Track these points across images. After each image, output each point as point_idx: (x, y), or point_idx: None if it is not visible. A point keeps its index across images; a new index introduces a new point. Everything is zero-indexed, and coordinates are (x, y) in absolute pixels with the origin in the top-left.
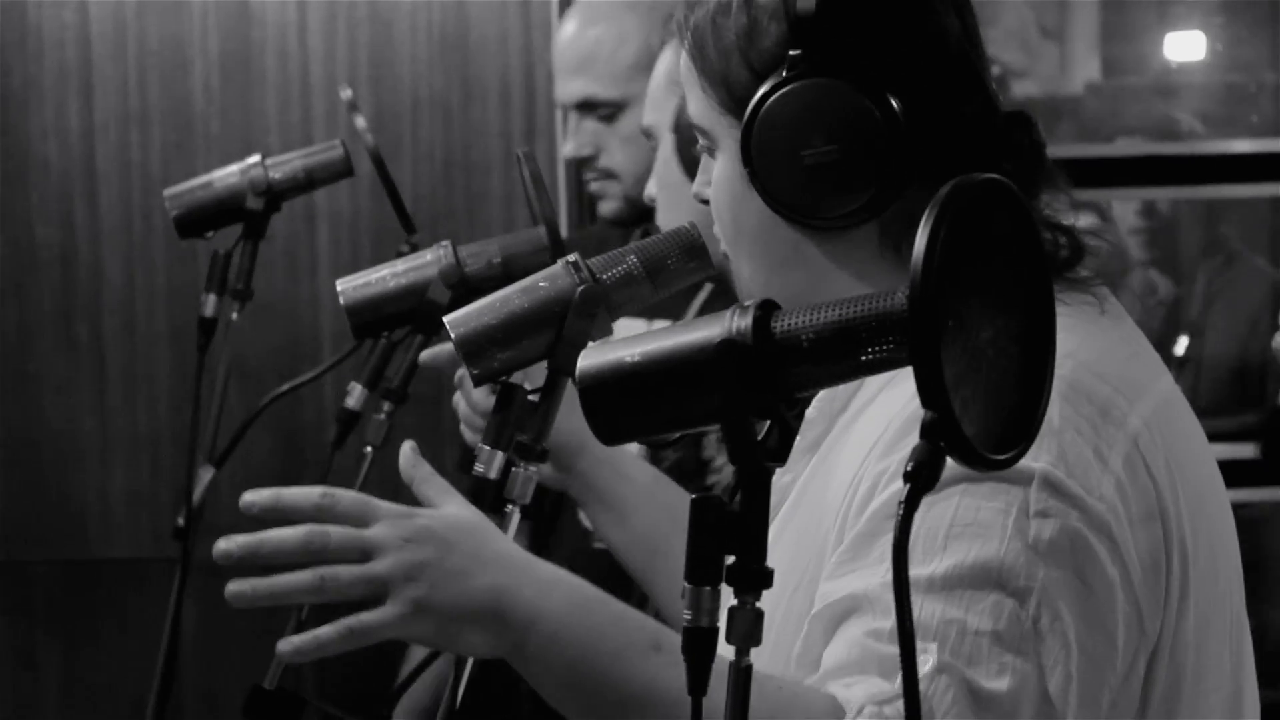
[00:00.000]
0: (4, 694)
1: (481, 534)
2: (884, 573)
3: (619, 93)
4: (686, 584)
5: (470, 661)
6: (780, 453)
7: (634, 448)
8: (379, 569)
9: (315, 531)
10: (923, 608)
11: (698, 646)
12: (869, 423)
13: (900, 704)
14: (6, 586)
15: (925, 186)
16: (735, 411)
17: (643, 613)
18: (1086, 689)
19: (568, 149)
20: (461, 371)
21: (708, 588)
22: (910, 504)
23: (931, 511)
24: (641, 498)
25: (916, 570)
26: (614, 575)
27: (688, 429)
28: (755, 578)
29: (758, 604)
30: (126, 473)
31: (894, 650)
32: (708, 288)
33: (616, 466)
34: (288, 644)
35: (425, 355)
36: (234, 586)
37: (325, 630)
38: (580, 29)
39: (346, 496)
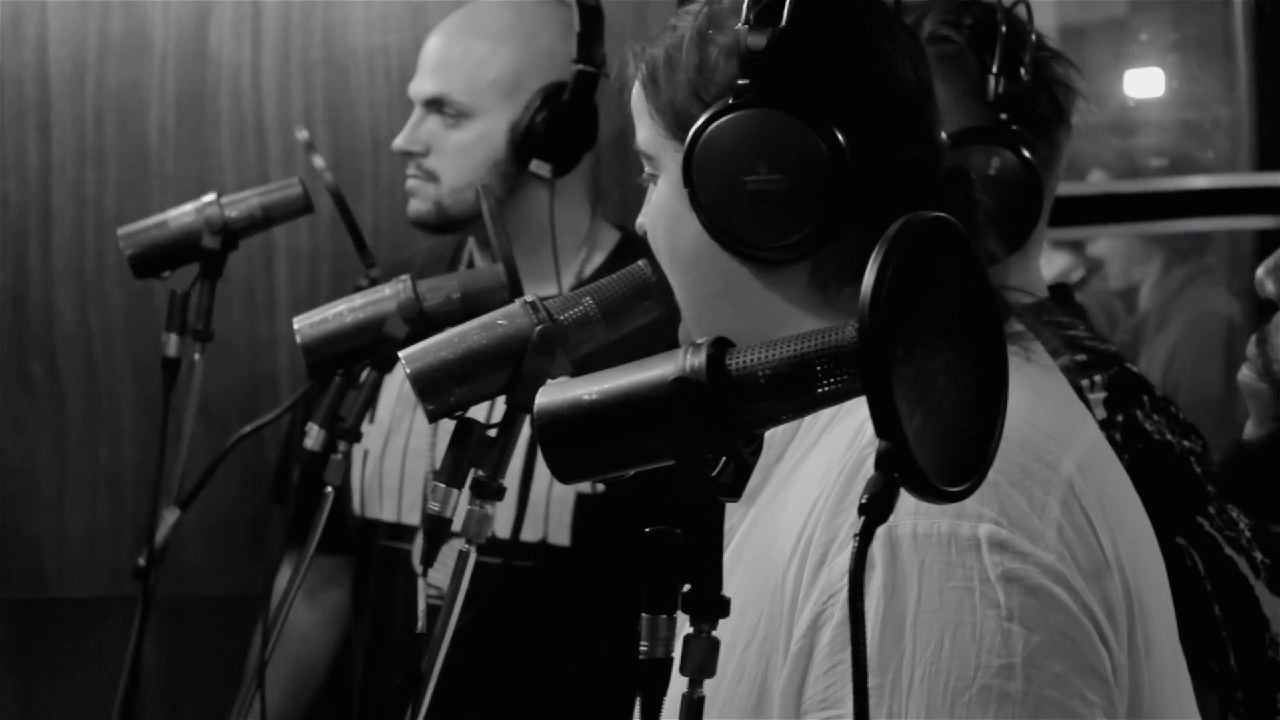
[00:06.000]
0: None
1: None
2: None
3: (471, 101)
4: (643, 614)
5: (427, 701)
6: (735, 488)
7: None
8: None
9: None
10: (906, 715)
11: (652, 677)
12: (811, 473)
13: None
14: None
15: (861, 230)
16: (691, 449)
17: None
18: None
19: (398, 141)
20: None
21: (663, 616)
22: (865, 536)
23: (892, 601)
24: None
25: (890, 673)
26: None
27: (644, 466)
28: (710, 606)
29: (713, 633)
30: (85, 511)
31: None
32: None
33: None
34: None
35: None
36: None
37: None
38: (457, 35)
39: None
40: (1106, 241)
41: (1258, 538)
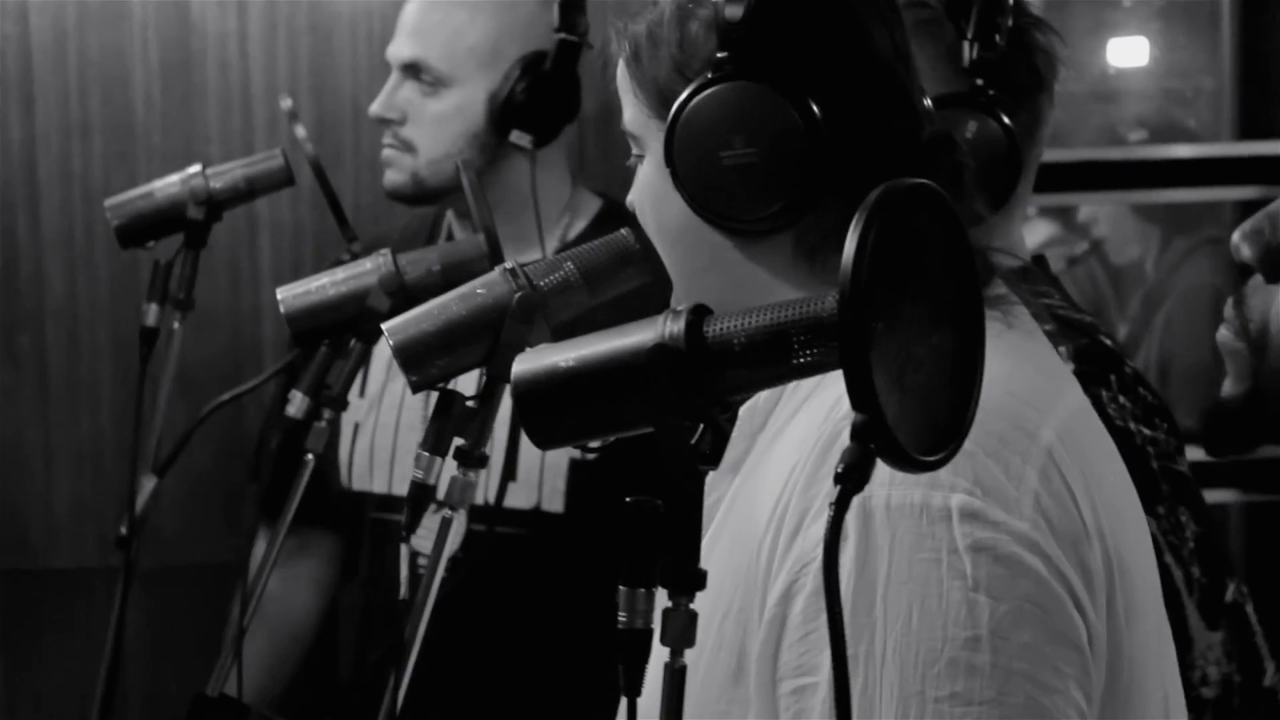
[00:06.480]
0: None
1: None
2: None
3: (448, 69)
4: (621, 586)
5: (410, 667)
6: (713, 456)
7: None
8: None
9: None
10: (881, 686)
11: (632, 648)
12: (790, 443)
13: None
14: None
15: (843, 199)
16: (668, 416)
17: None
18: (1067, 702)
19: (375, 106)
20: None
21: (642, 589)
22: (840, 506)
23: (864, 572)
24: None
25: (863, 644)
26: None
27: (621, 432)
28: (688, 579)
29: (691, 605)
30: (70, 482)
31: None
32: None
33: None
34: None
35: None
36: None
37: None
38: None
39: None
40: (1106, 221)
41: (1200, 551)
